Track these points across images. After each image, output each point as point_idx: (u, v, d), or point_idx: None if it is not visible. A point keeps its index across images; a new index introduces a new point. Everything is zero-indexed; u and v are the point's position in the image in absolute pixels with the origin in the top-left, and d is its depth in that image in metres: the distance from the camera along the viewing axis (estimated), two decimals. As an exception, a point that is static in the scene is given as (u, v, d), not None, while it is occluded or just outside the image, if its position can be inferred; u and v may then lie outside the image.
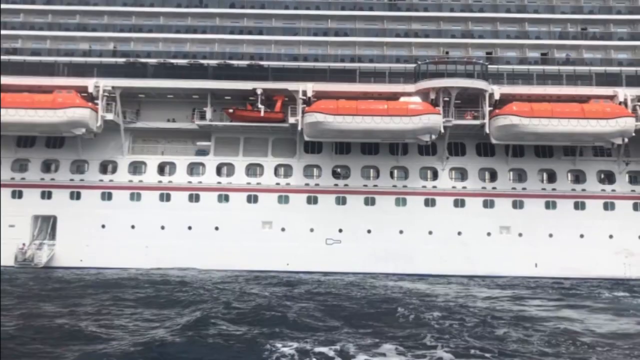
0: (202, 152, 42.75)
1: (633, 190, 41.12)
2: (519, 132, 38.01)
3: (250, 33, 43.70)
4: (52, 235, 41.04)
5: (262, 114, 39.98)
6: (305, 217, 40.92)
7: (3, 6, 43.33)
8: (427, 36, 43.86)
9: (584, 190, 41.19)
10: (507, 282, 35.61)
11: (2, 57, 41.30)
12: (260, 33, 43.68)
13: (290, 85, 39.90)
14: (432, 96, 39.23)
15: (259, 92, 39.80)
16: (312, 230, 40.76)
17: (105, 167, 42.16)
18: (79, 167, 42.06)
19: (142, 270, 37.65)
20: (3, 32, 43.02)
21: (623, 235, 40.28)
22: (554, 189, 41.25)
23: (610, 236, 40.30)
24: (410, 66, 41.12)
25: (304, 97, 39.40)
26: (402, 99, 39.15)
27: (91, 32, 43.79)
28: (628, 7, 44.41)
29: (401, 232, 40.66)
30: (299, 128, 39.43)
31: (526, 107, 37.94)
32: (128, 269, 38.28)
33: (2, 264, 38.74)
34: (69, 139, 41.36)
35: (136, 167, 42.04)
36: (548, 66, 42.08)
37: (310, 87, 39.51)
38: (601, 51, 43.46)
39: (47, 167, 42.17)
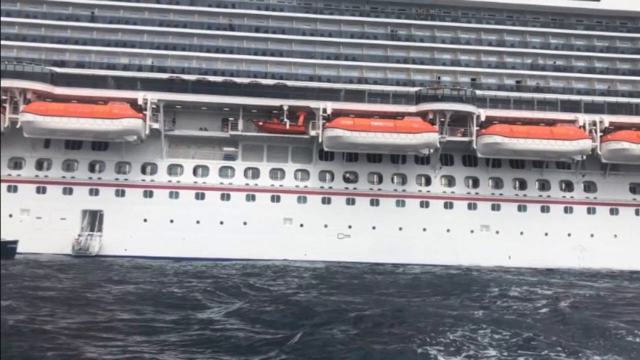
0: (230, 157, 49.14)
1: (587, 197, 50.34)
2: (501, 148, 46.51)
3: (272, 55, 50.40)
4: (99, 228, 46.68)
5: (287, 126, 46.92)
6: (320, 215, 48.02)
7: (55, 22, 48.60)
8: (422, 63, 51.77)
9: (548, 196, 50.08)
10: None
11: (53, 68, 46.67)
12: (281, 55, 50.47)
13: (312, 104, 46.94)
14: (430, 116, 47.15)
15: (285, 108, 46.73)
16: (326, 226, 47.95)
17: (145, 168, 48.02)
18: (121, 167, 47.76)
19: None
20: (53, 45, 48.35)
21: (579, 234, 49.31)
22: (524, 195, 49.95)
23: (569, 234, 49.35)
24: (412, 89, 48.87)
25: (324, 114, 46.57)
26: (406, 118, 46.90)
27: (131, 48, 49.39)
28: (585, 45, 53.61)
29: (400, 229, 48.32)
30: (320, 140, 46.61)
31: (507, 128, 46.44)
32: (170, 257, 44.60)
33: (57, 252, 44.36)
34: (112, 143, 47.04)
35: (172, 169, 48.13)
36: (523, 93, 50.67)
37: (329, 106, 46.70)
38: (564, 81, 52.47)
39: (92, 167, 47.65)
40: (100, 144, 47.38)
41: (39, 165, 46.96)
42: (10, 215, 44.78)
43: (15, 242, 40.62)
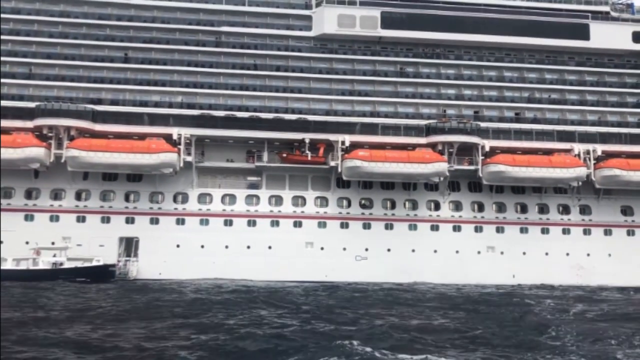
0: (254, 185, 53.05)
1: (583, 220, 54.76)
2: (505, 176, 50.93)
3: (292, 91, 54.57)
4: (135, 254, 50.13)
5: (309, 158, 51.05)
6: (339, 239, 51.89)
7: (92, 64, 52.60)
8: (429, 97, 56.21)
9: (548, 219, 54.43)
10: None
11: (89, 105, 50.46)
12: (301, 92, 54.62)
13: (332, 137, 51.14)
14: (440, 147, 51.54)
15: (307, 140, 50.89)
16: (344, 249, 51.79)
17: (176, 197, 51.72)
18: (154, 197, 51.43)
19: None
20: (90, 85, 52.30)
21: (576, 253, 53.58)
22: (526, 218, 54.28)
23: (567, 254, 53.56)
24: (421, 122, 53.30)
25: (343, 146, 50.76)
26: (417, 149, 51.23)
27: (162, 86, 53.38)
28: (577, 79, 58.47)
29: (413, 251, 52.29)
30: (339, 170, 50.73)
31: (509, 158, 50.90)
32: (202, 279, 48.04)
33: (97, 276, 47.71)
34: (146, 174, 50.68)
35: (202, 198, 51.91)
36: (522, 124, 55.25)
37: (347, 138, 50.92)
38: (558, 113, 57.17)
39: (127, 197, 51.25)
40: (135, 175, 51.05)
41: (78, 196, 50.53)
42: (53, 243, 48.17)
43: (114, 265, 47.16)
